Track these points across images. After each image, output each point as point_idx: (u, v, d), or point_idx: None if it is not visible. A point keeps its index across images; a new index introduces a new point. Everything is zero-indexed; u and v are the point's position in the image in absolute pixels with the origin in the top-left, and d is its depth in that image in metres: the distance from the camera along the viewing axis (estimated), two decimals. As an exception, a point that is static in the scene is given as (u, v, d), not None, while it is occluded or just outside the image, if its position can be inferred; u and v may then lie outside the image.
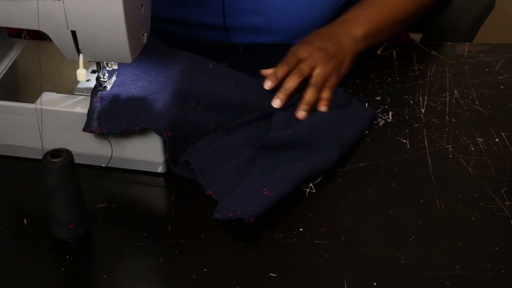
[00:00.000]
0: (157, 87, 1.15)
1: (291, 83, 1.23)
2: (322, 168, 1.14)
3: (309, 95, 1.22)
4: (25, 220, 1.11)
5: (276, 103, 1.22)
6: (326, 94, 1.24)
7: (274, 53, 1.39)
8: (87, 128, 1.12)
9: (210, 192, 1.11)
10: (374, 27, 1.33)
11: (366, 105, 1.26)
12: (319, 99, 1.23)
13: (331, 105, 1.24)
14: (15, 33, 1.30)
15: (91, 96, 1.14)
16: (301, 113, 1.21)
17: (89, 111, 1.12)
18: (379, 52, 1.39)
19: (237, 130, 1.19)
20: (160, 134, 1.11)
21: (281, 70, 1.24)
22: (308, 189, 1.14)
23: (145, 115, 1.11)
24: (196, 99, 1.17)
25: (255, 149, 1.16)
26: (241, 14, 1.43)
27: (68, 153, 1.02)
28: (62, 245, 1.07)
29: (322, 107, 1.23)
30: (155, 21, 1.25)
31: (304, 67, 1.24)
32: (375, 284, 1.01)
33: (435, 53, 1.39)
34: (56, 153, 1.02)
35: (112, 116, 1.12)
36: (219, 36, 1.46)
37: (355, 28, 1.31)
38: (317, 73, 1.24)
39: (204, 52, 1.39)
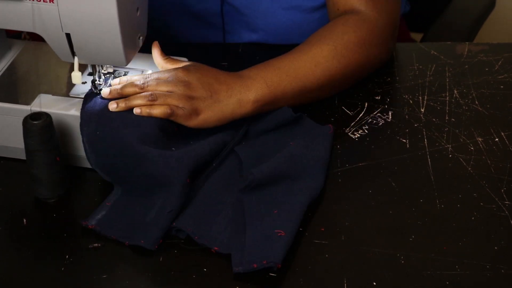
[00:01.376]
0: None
1: (138, 103, 1.11)
2: (315, 195, 1.11)
3: (135, 97, 1.12)
4: (25, 220, 1.11)
5: (112, 106, 1.11)
6: (156, 110, 1.11)
7: (274, 53, 1.39)
8: (85, 222, 1.08)
9: (216, 248, 1.04)
10: (272, 94, 1.18)
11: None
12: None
13: (278, 121, 1.18)
14: (15, 34, 1.30)
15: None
16: (112, 106, 1.11)
17: (97, 210, 1.09)
18: (379, 52, 1.39)
19: (209, 179, 1.13)
20: (150, 247, 1.05)
21: (131, 87, 1.13)
22: (308, 189, 1.14)
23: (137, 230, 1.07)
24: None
25: (239, 192, 1.10)
26: (239, 32, 1.44)
27: (48, 116, 1.08)
28: (62, 245, 1.07)
29: (136, 109, 1.10)
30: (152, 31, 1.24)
31: (159, 96, 1.12)
32: (375, 284, 1.01)
33: (435, 53, 1.39)
34: (36, 116, 1.08)
35: (110, 223, 1.08)
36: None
37: (249, 89, 1.17)
38: (175, 96, 1.12)
39: (204, 52, 1.40)
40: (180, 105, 1.12)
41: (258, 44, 1.43)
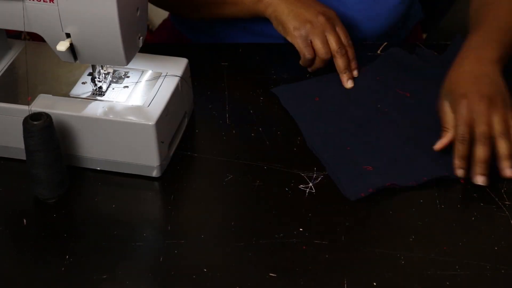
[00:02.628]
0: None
1: (483, 154, 1.12)
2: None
3: (502, 146, 1.12)
4: (25, 220, 1.11)
5: (460, 173, 1.14)
6: None
7: (273, 53, 1.39)
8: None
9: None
10: (506, 49, 1.23)
11: None
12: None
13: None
14: (15, 34, 1.30)
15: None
16: (507, 172, 1.13)
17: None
18: (379, 52, 1.39)
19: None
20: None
21: (465, 149, 1.13)
22: (308, 189, 1.14)
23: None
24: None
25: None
26: None
27: (48, 116, 1.08)
28: (62, 245, 1.07)
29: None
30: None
31: (483, 129, 1.12)
32: (375, 284, 1.01)
33: (436, 53, 1.39)
34: (36, 116, 1.07)
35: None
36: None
37: (491, 52, 1.21)
38: (497, 122, 1.13)
39: (204, 51, 1.40)
40: (501, 112, 1.14)
41: (259, 44, 1.43)
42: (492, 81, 1.17)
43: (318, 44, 1.27)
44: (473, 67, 1.19)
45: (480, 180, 1.12)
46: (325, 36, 1.27)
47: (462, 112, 1.13)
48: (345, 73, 1.28)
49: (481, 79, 1.17)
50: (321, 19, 1.26)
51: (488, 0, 1.31)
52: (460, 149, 1.13)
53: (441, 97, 1.19)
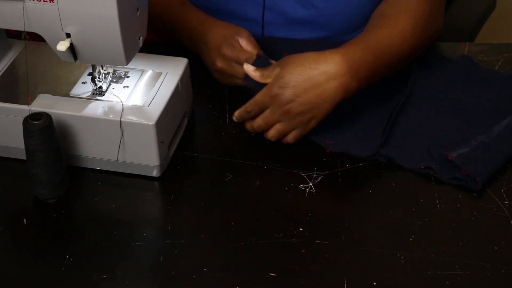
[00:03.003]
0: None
1: (251, 126, 1.21)
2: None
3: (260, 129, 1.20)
4: (25, 220, 1.11)
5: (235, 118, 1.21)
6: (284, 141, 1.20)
7: (274, 49, 1.39)
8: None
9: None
10: (369, 78, 1.20)
11: None
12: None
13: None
14: (15, 34, 1.30)
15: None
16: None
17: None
18: (379, 52, 1.39)
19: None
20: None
21: (244, 115, 1.21)
22: (308, 189, 1.14)
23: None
24: None
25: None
26: (284, 6, 1.39)
27: (48, 116, 1.08)
28: (62, 245, 1.07)
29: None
30: None
31: (261, 124, 1.20)
32: (375, 284, 1.01)
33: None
34: (36, 116, 1.08)
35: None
36: (254, 30, 1.40)
37: (352, 82, 1.17)
38: (273, 131, 1.19)
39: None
40: (289, 126, 1.18)
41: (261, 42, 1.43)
42: (320, 101, 1.16)
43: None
44: (320, 77, 1.16)
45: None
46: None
47: (262, 101, 1.18)
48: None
49: (313, 91, 1.16)
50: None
51: (386, 12, 1.28)
52: (248, 108, 1.19)
53: (275, 65, 1.20)
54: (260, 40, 1.31)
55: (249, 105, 1.19)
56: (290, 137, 1.20)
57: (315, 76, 1.16)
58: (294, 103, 1.16)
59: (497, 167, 1.15)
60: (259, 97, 1.19)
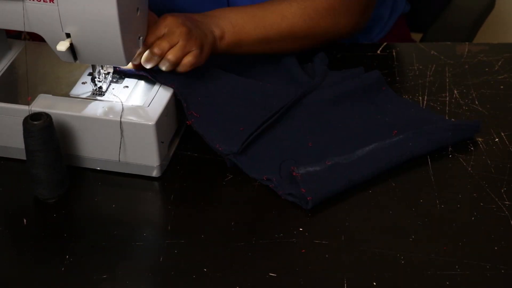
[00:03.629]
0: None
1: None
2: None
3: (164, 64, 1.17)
4: (25, 220, 1.11)
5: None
6: (182, 67, 1.18)
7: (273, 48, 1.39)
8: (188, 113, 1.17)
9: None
10: (236, 34, 1.23)
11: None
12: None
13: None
14: (15, 34, 1.30)
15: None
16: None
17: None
18: (379, 52, 1.39)
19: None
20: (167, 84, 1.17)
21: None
22: (308, 189, 1.14)
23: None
24: (219, 73, 1.23)
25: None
26: None
27: (48, 116, 1.08)
28: (62, 245, 1.07)
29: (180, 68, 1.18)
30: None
31: (164, 45, 1.16)
32: (375, 284, 1.01)
33: (435, 53, 1.39)
34: (36, 116, 1.08)
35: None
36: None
37: (214, 26, 1.22)
38: (177, 48, 1.16)
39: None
40: (189, 45, 1.16)
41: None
42: (204, 35, 1.19)
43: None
44: (197, 17, 1.21)
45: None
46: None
47: (160, 23, 1.17)
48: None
49: (197, 24, 1.19)
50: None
51: None
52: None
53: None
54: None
55: (149, 37, 1.17)
56: (186, 60, 1.17)
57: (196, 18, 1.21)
58: (186, 18, 1.18)
59: (337, 190, 1.11)
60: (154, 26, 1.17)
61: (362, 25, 1.36)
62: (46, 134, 1.08)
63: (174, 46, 1.16)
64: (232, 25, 1.23)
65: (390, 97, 1.27)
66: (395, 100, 1.26)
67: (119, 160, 1.15)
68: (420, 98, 1.30)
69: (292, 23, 1.27)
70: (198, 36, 1.18)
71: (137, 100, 1.16)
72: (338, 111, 1.24)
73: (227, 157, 1.15)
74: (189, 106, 1.17)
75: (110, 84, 1.18)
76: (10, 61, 1.24)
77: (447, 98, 1.29)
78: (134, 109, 1.14)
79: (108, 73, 1.18)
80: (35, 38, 1.22)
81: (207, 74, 1.22)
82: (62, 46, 1.10)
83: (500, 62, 1.37)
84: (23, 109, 1.14)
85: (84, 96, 1.17)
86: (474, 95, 1.30)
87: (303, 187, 1.09)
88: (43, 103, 1.15)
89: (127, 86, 1.19)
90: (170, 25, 1.17)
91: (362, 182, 1.12)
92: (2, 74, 1.22)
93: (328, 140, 1.18)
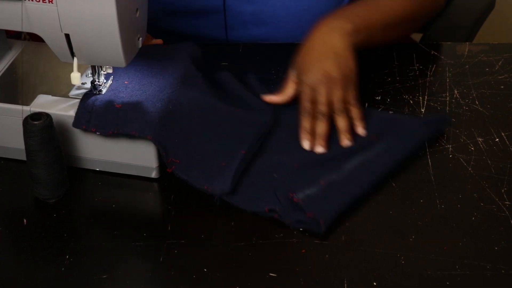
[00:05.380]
0: (152, 92, 1.14)
1: (321, 129, 1.18)
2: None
3: (341, 123, 1.19)
4: (25, 220, 1.11)
5: (306, 145, 1.18)
6: (355, 113, 1.20)
7: (274, 53, 1.39)
8: (77, 125, 1.12)
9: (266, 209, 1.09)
10: (365, 24, 1.26)
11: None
12: (352, 122, 1.20)
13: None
14: (15, 34, 1.30)
15: (82, 97, 1.14)
16: (345, 142, 1.18)
17: (80, 108, 1.12)
18: (379, 52, 1.39)
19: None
20: (143, 136, 1.10)
21: (308, 123, 1.19)
22: (308, 189, 1.14)
23: (133, 120, 1.11)
24: (189, 108, 1.15)
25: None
26: (242, 26, 1.43)
27: (48, 116, 1.08)
28: (62, 245, 1.07)
29: (360, 130, 1.19)
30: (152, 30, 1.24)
31: (322, 108, 1.18)
32: (375, 284, 1.01)
33: (435, 53, 1.39)
34: (37, 116, 1.08)
35: (102, 118, 1.11)
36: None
37: (345, 23, 1.25)
38: (336, 101, 1.19)
39: (204, 52, 1.39)
40: (340, 89, 1.19)
41: (259, 44, 1.43)
42: (337, 57, 1.21)
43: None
44: (321, 40, 1.23)
45: (319, 149, 1.17)
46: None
47: (305, 91, 1.20)
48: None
49: (327, 54, 1.21)
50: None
51: None
52: (304, 123, 1.19)
53: (291, 68, 1.24)
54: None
55: (303, 119, 1.19)
56: (351, 103, 1.20)
57: (315, 43, 1.23)
58: (318, 73, 1.19)
59: (343, 208, 1.08)
60: (304, 103, 1.20)
61: None
62: (47, 134, 1.08)
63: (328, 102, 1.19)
64: (359, 17, 1.26)
65: (372, 113, 1.24)
66: (373, 114, 1.23)
67: (118, 161, 1.15)
68: (420, 98, 1.30)
69: (403, 6, 1.32)
70: (335, 73, 1.19)
71: (137, 100, 1.16)
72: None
73: (218, 197, 1.11)
74: (168, 153, 1.12)
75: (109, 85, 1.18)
76: (10, 61, 1.24)
77: (447, 98, 1.29)
78: None
79: (108, 73, 1.18)
80: (35, 38, 1.22)
81: (178, 110, 1.15)
82: (76, 80, 1.11)
83: (500, 62, 1.37)
84: (22, 110, 1.13)
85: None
86: (474, 95, 1.30)
87: (309, 212, 1.06)
88: (42, 104, 1.15)
89: (127, 86, 1.19)
90: (313, 86, 1.19)
91: (362, 195, 1.11)
92: (2, 74, 1.22)
93: (312, 159, 1.16)
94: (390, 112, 1.25)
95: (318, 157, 1.16)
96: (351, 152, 1.16)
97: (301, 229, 1.07)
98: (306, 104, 1.20)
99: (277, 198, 1.09)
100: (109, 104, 1.12)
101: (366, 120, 1.21)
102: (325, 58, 1.21)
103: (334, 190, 1.10)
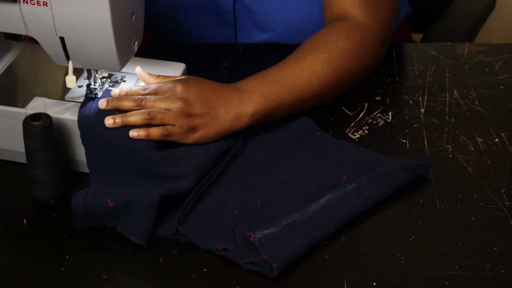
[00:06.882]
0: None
1: (134, 120, 1.10)
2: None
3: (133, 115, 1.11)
4: (25, 220, 1.11)
5: (109, 122, 1.10)
6: (154, 131, 1.10)
7: (274, 53, 1.39)
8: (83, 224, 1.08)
9: (220, 247, 1.05)
10: (270, 106, 1.16)
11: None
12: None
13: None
14: (14, 36, 1.30)
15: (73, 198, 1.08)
16: (108, 121, 1.10)
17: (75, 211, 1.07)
18: (379, 52, 1.39)
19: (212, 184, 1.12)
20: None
21: (128, 102, 1.12)
22: (308, 189, 1.14)
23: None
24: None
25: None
26: (251, 30, 1.42)
27: (48, 116, 1.08)
28: (62, 245, 1.07)
29: (133, 133, 1.09)
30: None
31: (157, 115, 1.10)
32: (375, 284, 1.01)
33: (435, 53, 1.39)
34: (36, 116, 1.08)
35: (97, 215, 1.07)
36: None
37: (247, 103, 1.15)
38: (171, 115, 1.10)
39: (204, 52, 1.40)
40: (177, 124, 1.11)
41: (258, 44, 1.43)
42: (215, 116, 1.12)
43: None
44: (224, 91, 1.14)
45: (108, 121, 1.10)
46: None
47: (163, 85, 1.13)
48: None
49: (215, 101, 1.13)
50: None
51: (320, 39, 1.24)
52: (124, 100, 1.12)
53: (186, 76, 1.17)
54: None
55: (147, 87, 1.13)
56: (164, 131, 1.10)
57: (226, 92, 1.15)
58: (193, 92, 1.12)
59: (300, 252, 1.03)
60: (161, 82, 1.13)
61: (382, 57, 1.32)
62: (46, 134, 1.08)
63: (165, 110, 1.11)
64: (265, 98, 1.16)
65: (327, 141, 1.19)
66: (334, 143, 1.19)
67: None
68: (420, 98, 1.30)
69: (322, 77, 1.21)
70: (197, 115, 1.11)
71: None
72: (278, 162, 1.16)
73: (179, 236, 1.07)
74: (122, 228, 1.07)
75: (105, 88, 1.17)
76: (8, 63, 1.23)
77: (447, 98, 1.29)
78: None
79: (104, 77, 1.17)
80: (34, 40, 1.21)
81: (125, 162, 1.12)
82: (71, 83, 1.11)
83: (500, 63, 1.37)
84: (18, 112, 1.13)
85: (79, 99, 1.16)
86: (474, 95, 1.30)
87: (263, 253, 1.01)
88: (37, 106, 1.14)
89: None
90: (176, 90, 1.12)
91: (323, 238, 1.05)
92: (0, 76, 1.21)
93: (277, 196, 1.11)
94: (372, 148, 1.19)
95: (283, 196, 1.11)
96: (318, 191, 1.10)
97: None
98: (144, 92, 1.13)
99: (233, 237, 1.04)
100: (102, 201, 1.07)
101: (340, 159, 1.16)
102: (203, 101, 1.12)
103: (293, 231, 1.04)
